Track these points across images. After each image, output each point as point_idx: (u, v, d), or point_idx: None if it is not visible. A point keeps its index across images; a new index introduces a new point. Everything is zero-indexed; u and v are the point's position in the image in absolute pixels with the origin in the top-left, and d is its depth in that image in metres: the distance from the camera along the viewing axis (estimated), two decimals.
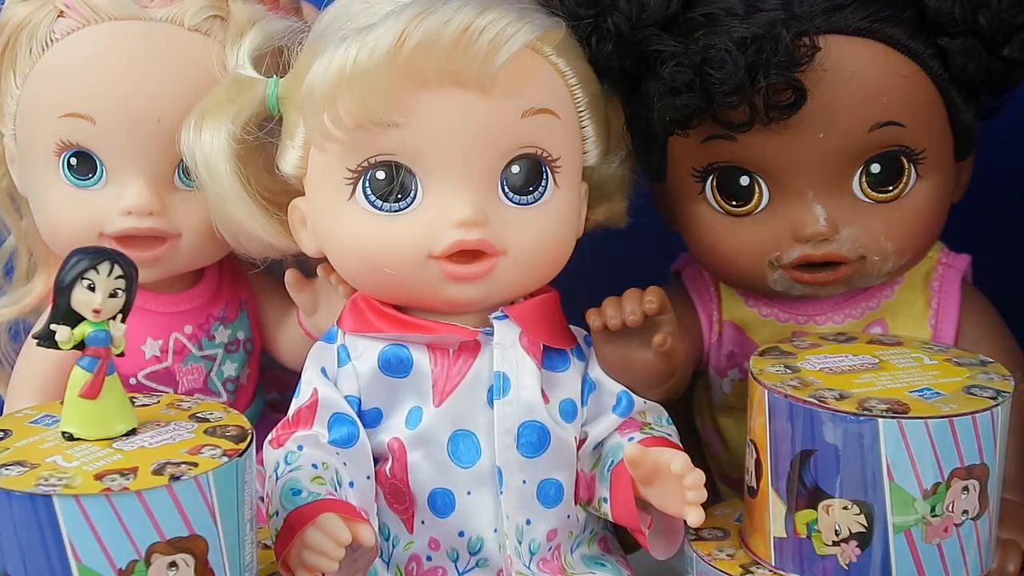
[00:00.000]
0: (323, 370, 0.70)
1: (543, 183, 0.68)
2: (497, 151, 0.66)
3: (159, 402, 0.64)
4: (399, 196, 0.66)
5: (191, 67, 0.71)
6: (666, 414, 0.73)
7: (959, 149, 0.74)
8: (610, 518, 0.69)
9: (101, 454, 0.57)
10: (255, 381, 0.83)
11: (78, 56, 0.71)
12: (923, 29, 0.70)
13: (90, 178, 0.73)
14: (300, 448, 0.67)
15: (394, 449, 0.69)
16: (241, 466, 0.58)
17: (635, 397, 0.71)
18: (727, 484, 0.84)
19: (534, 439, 0.68)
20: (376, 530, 0.67)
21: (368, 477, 0.69)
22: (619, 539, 0.75)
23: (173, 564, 0.55)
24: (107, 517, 0.54)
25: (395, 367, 0.69)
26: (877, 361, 0.70)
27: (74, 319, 0.57)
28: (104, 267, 0.57)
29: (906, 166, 0.72)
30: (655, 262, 0.85)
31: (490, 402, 0.68)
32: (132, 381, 0.76)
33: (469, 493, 0.68)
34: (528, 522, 0.69)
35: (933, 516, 0.65)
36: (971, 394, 0.66)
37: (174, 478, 0.55)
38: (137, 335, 0.75)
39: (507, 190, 0.67)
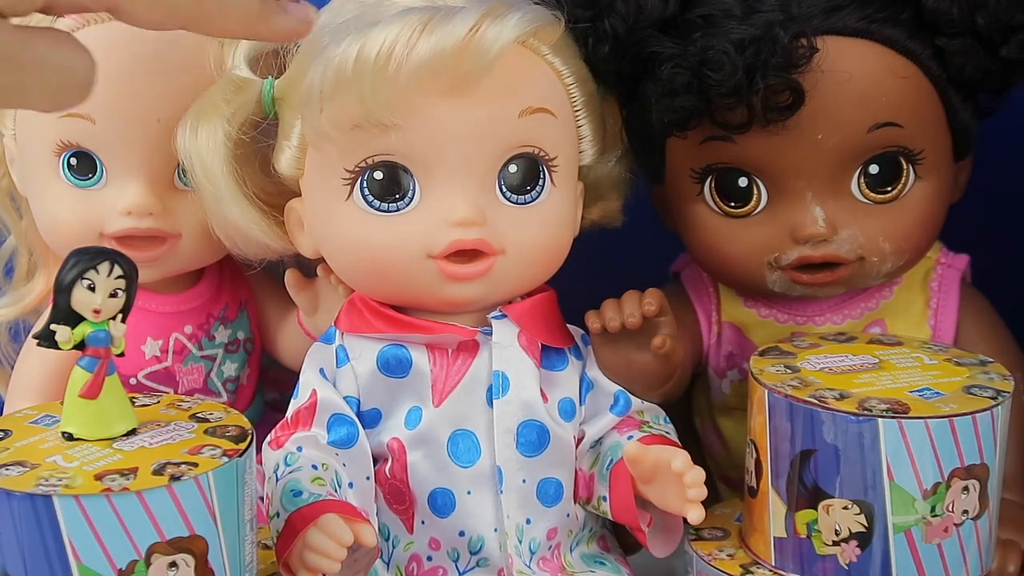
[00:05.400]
0: (322, 371, 0.70)
1: (540, 182, 0.68)
2: (494, 150, 0.66)
3: (159, 402, 0.64)
4: (397, 196, 0.66)
5: (191, 67, 0.71)
6: (664, 413, 0.73)
7: (957, 149, 0.74)
8: (609, 516, 0.69)
9: (101, 454, 0.57)
10: (255, 381, 0.83)
11: None
12: (921, 30, 0.70)
13: (90, 178, 0.73)
14: (299, 449, 0.67)
15: (394, 449, 0.69)
16: (241, 466, 0.58)
17: (633, 397, 0.71)
18: (727, 484, 0.84)
19: (533, 438, 0.68)
20: (376, 530, 0.67)
21: (368, 478, 0.69)
22: (619, 539, 0.75)
23: (173, 564, 0.55)
24: (107, 517, 0.54)
25: (394, 367, 0.69)
26: (877, 361, 0.70)
27: (74, 319, 0.57)
28: (104, 267, 0.57)
29: (904, 167, 0.72)
30: (654, 263, 0.85)
31: (489, 402, 0.68)
32: (132, 381, 0.76)
33: (469, 493, 0.68)
34: (528, 521, 0.69)
35: (933, 516, 0.65)
36: (971, 394, 0.66)
37: (174, 478, 0.55)
38: (137, 335, 0.75)
39: (504, 189, 0.67)
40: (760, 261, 0.74)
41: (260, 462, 0.68)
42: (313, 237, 0.70)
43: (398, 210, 0.66)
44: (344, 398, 0.69)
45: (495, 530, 0.68)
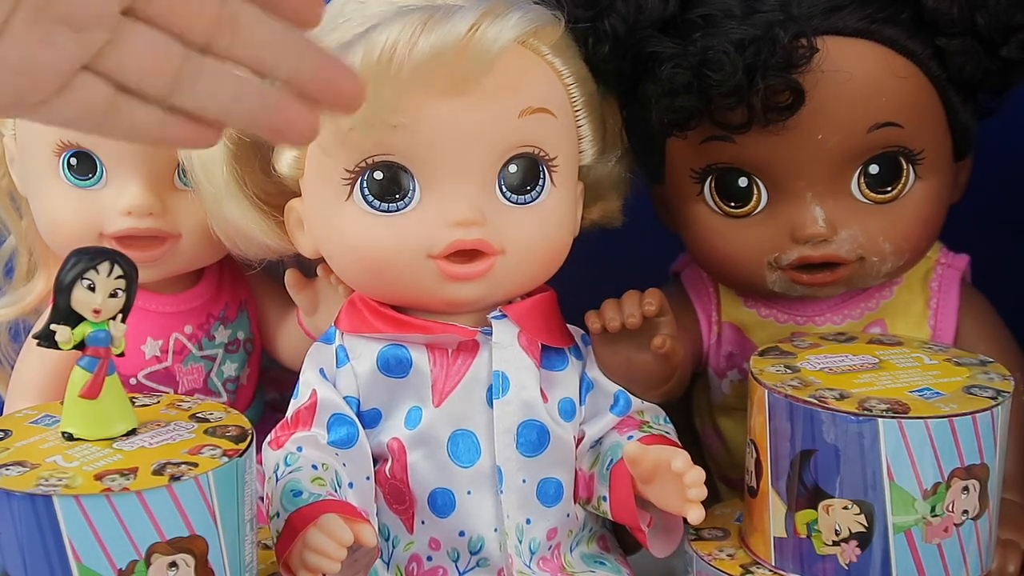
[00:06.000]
0: (321, 371, 0.70)
1: (540, 182, 0.68)
2: (495, 150, 0.66)
3: (159, 402, 0.64)
4: (397, 196, 0.66)
5: None
6: (664, 413, 0.73)
7: (957, 149, 0.74)
8: (609, 516, 0.69)
9: (101, 454, 0.57)
10: (255, 381, 0.83)
11: None
12: (921, 30, 0.70)
13: (90, 178, 0.73)
14: (299, 449, 0.67)
15: (394, 449, 0.69)
16: (241, 466, 0.58)
17: (633, 397, 0.71)
18: (727, 484, 0.84)
19: (533, 438, 0.68)
20: (376, 530, 0.67)
21: (368, 478, 0.69)
22: (619, 539, 0.75)
23: (173, 564, 0.55)
24: (107, 517, 0.54)
25: (394, 367, 0.69)
26: (877, 361, 0.70)
27: (74, 319, 0.57)
28: (104, 267, 0.57)
29: (904, 167, 0.72)
30: (654, 263, 0.85)
31: (489, 402, 0.68)
32: (132, 381, 0.76)
33: (469, 493, 0.68)
34: (528, 521, 0.69)
35: (933, 516, 0.65)
36: (971, 394, 0.66)
37: (174, 478, 0.55)
38: (137, 335, 0.75)
39: (505, 189, 0.67)
40: (760, 261, 0.74)
41: (260, 462, 0.68)
42: (313, 237, 0.70)
43: (398, 210, 0.66)
44: (344, 398, 0.69)
45: (495, 530, 0.68)
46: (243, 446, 0.58)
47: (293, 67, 0.49)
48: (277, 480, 0.66)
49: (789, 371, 0.69)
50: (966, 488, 0.65)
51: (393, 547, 0.70)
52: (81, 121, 0.49)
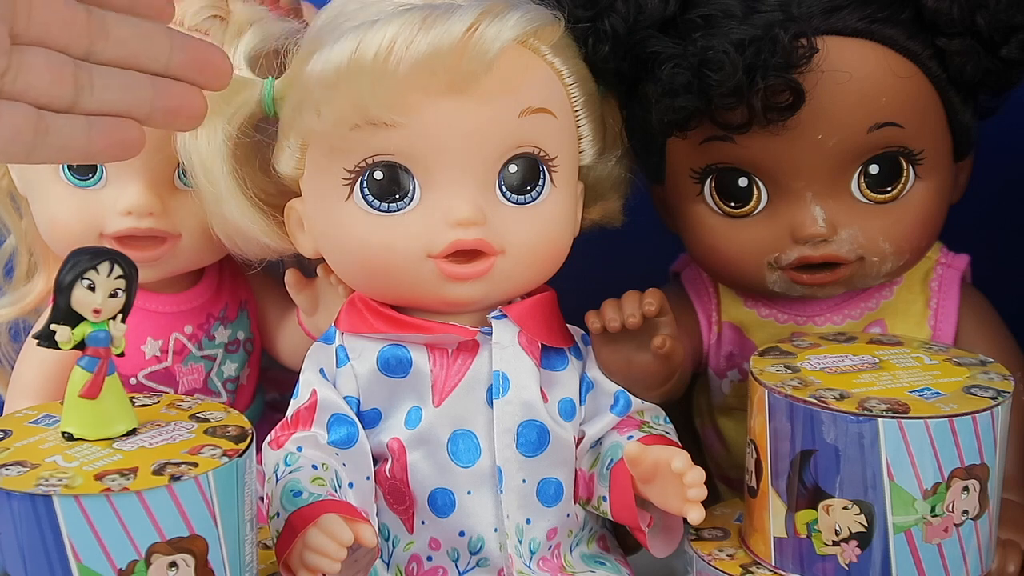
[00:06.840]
0: (322, 371, 0.70)
1: (540, 182, 0.68)
2: (495, 151, 0.66)
3: (159, 402, 0.64)
4: (397, 196, 0.66)
5: None
6: (664, 413, 0.73)
7: (958, 149, 0.74)
8: (609, 516, 0.69)
9: (101, 454, 0.57)
10: (255, 381, 0.83)
11: None
12: (921, 30, 0.70)
13: (90, 178, 0.73)
14: (299, 449, 0.67)
15: (394, 449, 0.69)
16: (241, 466, 0.58)
17: (633, 397, 0.71)
18: (727, 484, 0.84)
19: (533, 438, 0.68)
20: (376, 531, 0.67)
21: (368, 478, 0.69)
22: (619, 540, 0.75)
23: (173, 564, 0.55)
24: (107, 517, 0.54)
25: (394, 367, 0.69)
26: (877, 361, 0.70)
27: (74, 319, 0.57)
28: (104, 267, 0.57)
29: (904, 167, 0.72)
30: (654, 263, 0.85)
31: (489, 401, 0.68)
32: (132, 381, 0.76)
33: (469, 493, 0.68)
34: (528, 521, 0.69)
35: (933, 516, 0.65)
36: (971, 394, 0.66)
37: (174, 478, 0.55)
38: (137, 335, 0.76)
39: (504, 190, 0.67)
40: (760, 261, 0.74)
41: (260, 462, 0.68)
42: (313, 237, 0.70)
43: (398, 210, 0.66)
44: (344, 398, 0.69)
45: (495, 530, 0.68)
46: (243, 446, 0.58)
47: (166, 56, 0.56)
48: (277, 480, 0.66)
49: (789, 371, 0.69)
50: (966, 488, 0.65)
51: (393, 547, 0.70)
52: (14, 146, 0.53)
